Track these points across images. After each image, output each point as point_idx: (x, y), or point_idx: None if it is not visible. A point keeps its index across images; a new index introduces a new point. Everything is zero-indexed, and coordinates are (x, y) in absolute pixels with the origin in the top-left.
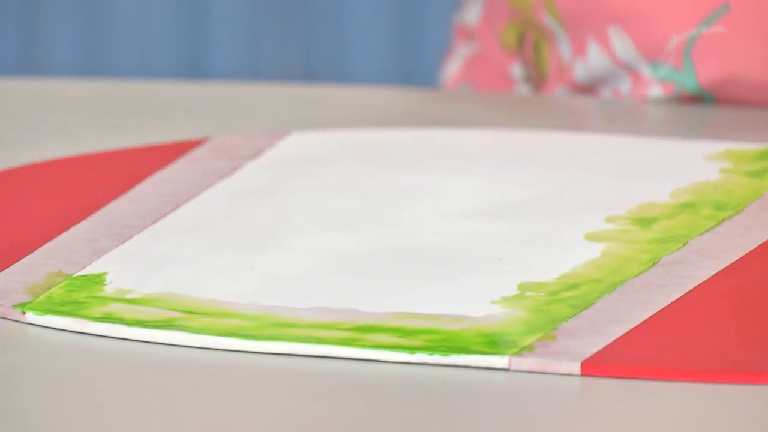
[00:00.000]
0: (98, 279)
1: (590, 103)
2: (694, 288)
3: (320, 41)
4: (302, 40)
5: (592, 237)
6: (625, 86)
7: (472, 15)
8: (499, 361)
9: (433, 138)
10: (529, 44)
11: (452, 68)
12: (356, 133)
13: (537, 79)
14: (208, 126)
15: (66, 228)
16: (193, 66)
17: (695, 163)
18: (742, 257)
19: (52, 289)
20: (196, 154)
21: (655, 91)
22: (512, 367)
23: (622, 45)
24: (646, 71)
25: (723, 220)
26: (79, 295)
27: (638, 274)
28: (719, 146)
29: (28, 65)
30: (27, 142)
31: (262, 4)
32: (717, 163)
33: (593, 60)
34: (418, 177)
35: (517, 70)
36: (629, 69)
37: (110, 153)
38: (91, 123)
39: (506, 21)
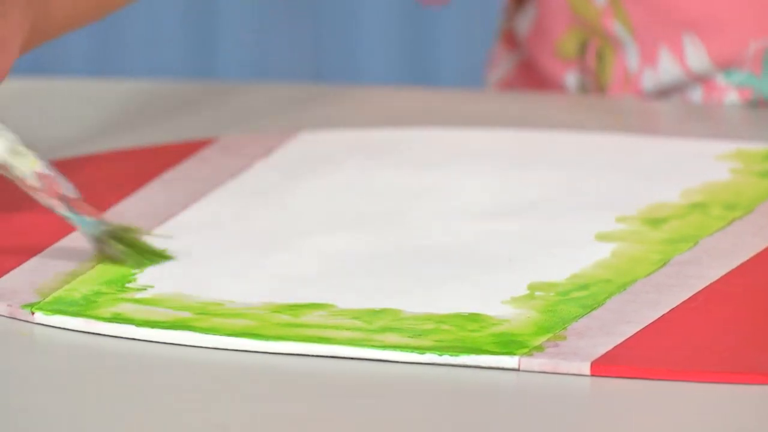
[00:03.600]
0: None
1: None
2: (704, 288)
3: (329, 41)
4: (311, 39)
5: (603, 237)
6: (696, 95)
7: (522, 23)
8: (509, 361)
9: (442, 138)
10: (592, 52)
11: (498, 74)
12: (365, 132)
13: (596, 89)
14: (217, 126)
15: (75, 228)
16: (203, 66)
17: (706, 163)
18: (752, 257)
19: (68, 286)
20: (205, 153)
21: (731, 97)
22: (522, 368)
23: (695, 54)
24: (719, 79)
25: (733, 220)
26: (89, 295)
27: (648, 275)
28: (730, 146)
29: (38, 65)
30: (36, 141)
31: (272, 5)
32: (727, 164)
33: (664, 70)
34: (427, 177)
35: (571, 79)
36: (701, 79)
37: (120, 152)
38: (101, 122)
39: (565, 28)
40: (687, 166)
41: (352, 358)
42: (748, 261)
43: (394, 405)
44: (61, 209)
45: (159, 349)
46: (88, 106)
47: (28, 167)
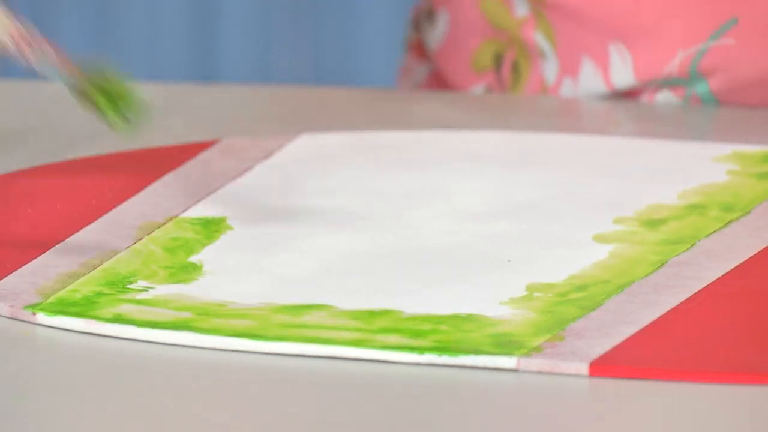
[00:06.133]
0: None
1: (601, 106)
2: (701, 289)
3: (330, 44)
4: (312, 42)
5: (600, 238)
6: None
7: (435, 35)
8: (508, 361)
9: (442, 139)
10: (508, 64)
11: (409, 83)
12: (365, 134)
13: None
14: (218, 128)
15: (77, 229)
16: (204, 68)
17: (703, 164)
18: (748, 258)
19: (69, 288)
20: (206, 155)
21: (664, 94)
22: (521, 368)
23: (621, 68)
24: (640, 89)
25: (730, 222)
26: (90, 296)
27: (646, 275)
28: (727, 148)
29: None
30: (37, 143)
31: (273, 7)
32: (724, 165)
33: (584, 80)
34: (427, 178)
35: (476, 90)
36: (622, 94)
37: (121, 154)
38: (102, 125)
39: (480, 41)
40: (684, 168)
41: (351, 359)
42: (745, 262)
43: (392, 405)
44: (36, 61)
45: (160, 350)
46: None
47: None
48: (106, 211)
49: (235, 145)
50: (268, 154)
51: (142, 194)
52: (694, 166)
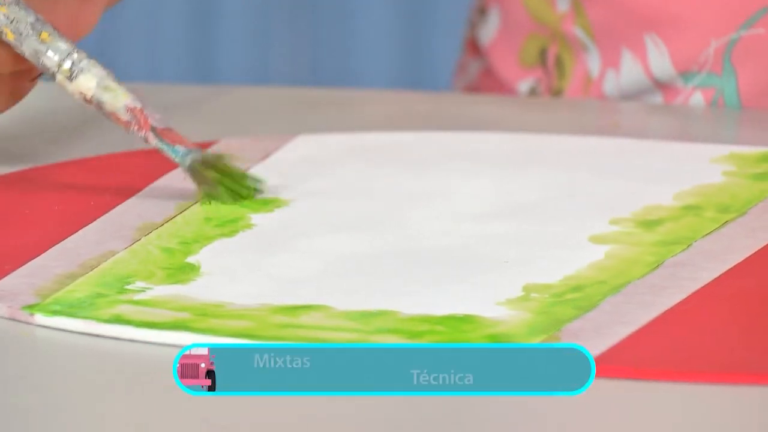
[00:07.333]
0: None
1: (600, 105)
2: (697, 290)
3: (328, 45)
4: (310, 44)
5: (596, 239)
6: (657, 100)
7: (486, 31)
8: None
9: (439, 141)
10: (551, 58)
11: (464, 81)
12: (363, 135)
13: (550, 94)
14: (216, 129)
15: (74, 230)
16: (203, 70)
17: (699, 165)
18: (745, 259)
19: (67, 288)
20: None
21: (696, 98)
22: None
23: (658, 58)
24: (679, 83)
25: (727, 223)
26: (88, 297)
27: (642, 276)
28: (723, 149)
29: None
30: (36, 144)
31: (271, 9)
32: (721, 166)
33: (626, 72)
34: (425, 179)
35: (523, 86)
36: (662, 86)
37: (119, 155)
38: (101, 126)
39: (526, 36)
40: (681, 169)
41: None
42: (741, 263)
43: (389, 404)
44: (153, 140)
45: (158, 350)
46: (87, 110)
47: (120, 102)
48: (104, 212)
49: (232, 146)
50: (266, 154)
51: (140, 195)
52: (691, 167)
